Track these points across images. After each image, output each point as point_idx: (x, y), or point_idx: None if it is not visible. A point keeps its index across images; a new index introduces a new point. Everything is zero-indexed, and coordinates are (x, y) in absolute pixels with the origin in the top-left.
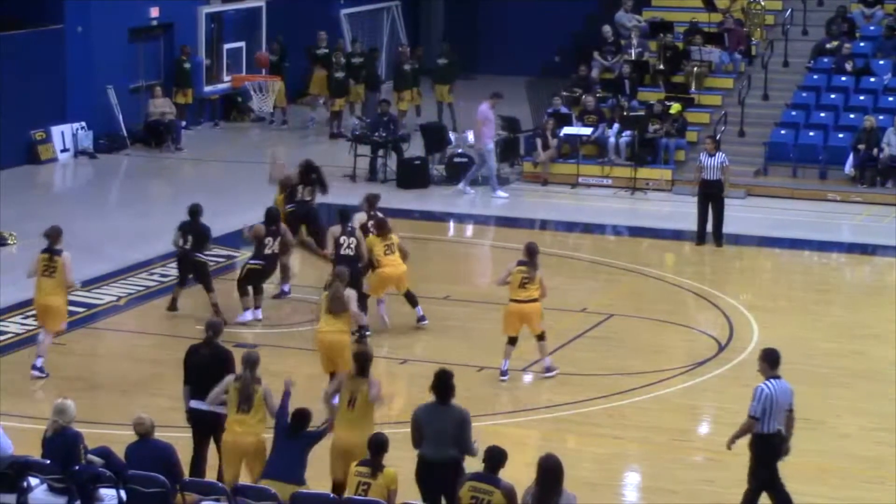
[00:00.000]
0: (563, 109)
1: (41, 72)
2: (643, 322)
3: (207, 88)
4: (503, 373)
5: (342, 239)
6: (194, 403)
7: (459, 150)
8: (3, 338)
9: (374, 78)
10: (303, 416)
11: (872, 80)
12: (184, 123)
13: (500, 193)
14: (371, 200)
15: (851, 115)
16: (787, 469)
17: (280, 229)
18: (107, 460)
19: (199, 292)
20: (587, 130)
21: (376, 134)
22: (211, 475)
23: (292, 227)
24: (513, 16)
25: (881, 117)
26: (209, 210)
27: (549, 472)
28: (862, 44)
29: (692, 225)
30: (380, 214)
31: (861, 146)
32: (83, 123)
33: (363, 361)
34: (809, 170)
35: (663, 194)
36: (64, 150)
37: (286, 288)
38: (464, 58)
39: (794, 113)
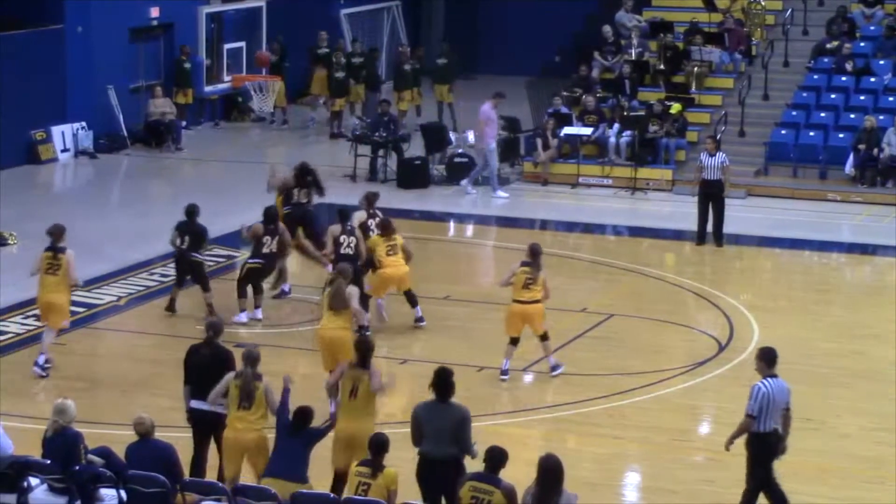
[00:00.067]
0: (564, 109)
1: (41, 72)
2: (643, 322)
3: (208, 88)
4: (503, 372)
5: (342, 238)
6: (195, 403)
7: (460, 150)
8: (3, 338)
9: (375, 78)
10: (305, 413)
11: (873, 80)
12: (184, 123)
13: (501, 193)
14: (370, 199)
15: (852, 115)
16: (787, 469)
17: (278, 228)
18: (107, 460)
19: (198, 292)
20: (587, 130)
21: (376, 134)
22: (211, 475)
23: (289, 229)
24: (513, 16)
25: (881, 117)
26: (209, 210)
27: (550, 472)
28: (862, 44)
29: (692, 225)
30: (379, 213)
31: (861, 146)
32: (83, 123)
33: (364, 351)
34: (810, 170)
35: (664, 194)
36: (64, 150)
37: (286, 287)
38: (464, 58)
39: (794, 113)
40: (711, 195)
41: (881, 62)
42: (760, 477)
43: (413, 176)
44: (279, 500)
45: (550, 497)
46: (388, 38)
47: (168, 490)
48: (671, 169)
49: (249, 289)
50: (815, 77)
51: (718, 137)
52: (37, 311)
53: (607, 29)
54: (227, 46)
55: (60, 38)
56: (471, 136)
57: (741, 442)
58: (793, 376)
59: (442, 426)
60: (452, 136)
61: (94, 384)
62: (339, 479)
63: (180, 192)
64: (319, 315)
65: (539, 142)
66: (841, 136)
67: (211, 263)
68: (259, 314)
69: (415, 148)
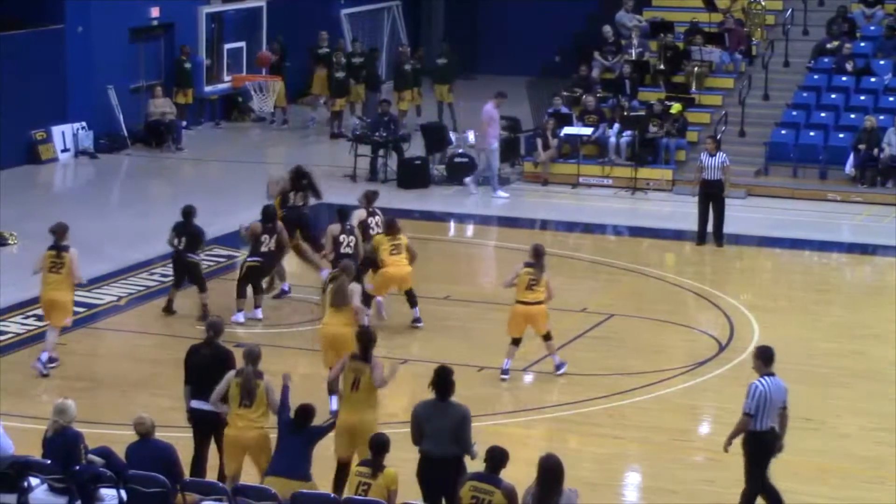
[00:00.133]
0: (564, 109)
1: (42, 72)
2: (644, 322)
3: (208, 88)
4: (504, 371)
5: (341, 238)
6: (195, 403)
7: (460, 151)
8: (3, 338)
9: (375, 78)
10: (306, 411)
11: (873, 80)
12: (184, 123)
13: (501, 193)
14: (370, 197)
15: (852, 115)
16: (787, 469)
17: (277, 227)
18: (107, 460)
19: (197, 292)
20: (588, 130)
21: (377, 134)
22: (211, 475)
23: (286, 232)
24: (513, 16)
25: (881, 117)
26: (209, 210)
27: (550, 472)
28: (862, 44)
29: (693, 225)
30: (378, 211)
31: (861, 146)
32: (84, 123)
33: (366, 342)
34: (810, 170)
35: (664, 194)
36: (64, 150)
37: (286, 287)
38: (464, 58)
39: (794, 113)
40: (712, 195)
41: (881, 62)
42: (759, 476)
43: (413, 176)
44: (279, 499)
45: (550, 497)
46: (389, 38)
47: (168, 490)
48: (671, 169)
49: (249, 289)
50: (816, 77)
51: (719, 137)
52: (37, 311)
53: (607, 29)
54: (227, 46)
55: (61, 38)
56: (471, 136)
57: (740, 441)
58: (793, 376)
59: (442, 425)
60: (453, 136)
61: (94, 384)
62: (343, 469)
63: (180, 192)
64: (321, 313)
65: (539, 142)
66: (841, 136)
67: (211, 263)
68: (259, 314)
69: (415, 148)
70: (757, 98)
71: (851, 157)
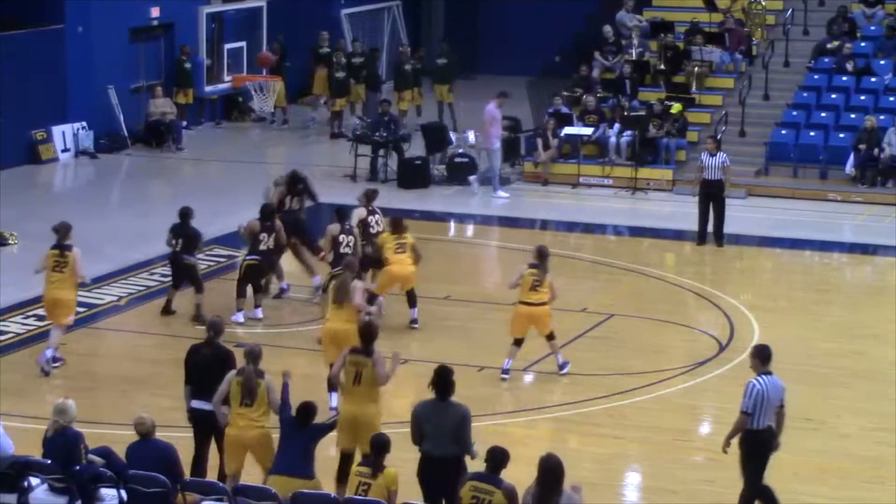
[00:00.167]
0: (564, 109)
1: (42, 72)
2: (644, 322)
3: (208, 88)
4: (505, 371)
5: (341, 237)
6: (195, 403)
7: (460, 150)
8: (3, 338)
9: (375, 78)
10: (308, 408)
11: (873, 79)
12: (184, 123)
13: (501, 193)
14: (369, 195)
15: (852, 115)
16: (787, 469)
17: (275, 226)
18: (107, 460)
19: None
20: (588, 130)
21: (377, 134)
22: (212, 475)
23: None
24: (513, 16)
25: (882, 117)
26: (210, 210)
27: (550, 472)
28: (863, 44)
29: (693, 225)
30: (378, 210)
31: (862, 146)
32: (84, 123)
33: (368, 336)
34: (810, 170)
35: (664, 194)
36: (65, 150)
37: (284, 285)
38: (464, 58)
39: (794, 113)
40: (712, 195)
41: (882, 62)
42: (757, 476)
43: (413, 176)
44: (279, 499)
45: (551, 497)
46: (389, 38)
47: (168, 490)
48: (672, 169)
49: (249, 289)
50: (816, 77)
51: (719, 137)
52: (37, 311)
53: (608, 29)
54: (227, 46)
55: (61, 38)
56: (471, 135)
57: (737, 441)
58: (793, 376)
59: (442, 425)
60: (453, 136)
61: (94, 384)
62: (346, 460)
63: (181, 192)
64: (321, 313)
65: (539, 142)
66: (841, 136)
67: (211, 263)
68: (259, 313)
69: (415, 148)
70: (757, 98)
71: (852, 157)
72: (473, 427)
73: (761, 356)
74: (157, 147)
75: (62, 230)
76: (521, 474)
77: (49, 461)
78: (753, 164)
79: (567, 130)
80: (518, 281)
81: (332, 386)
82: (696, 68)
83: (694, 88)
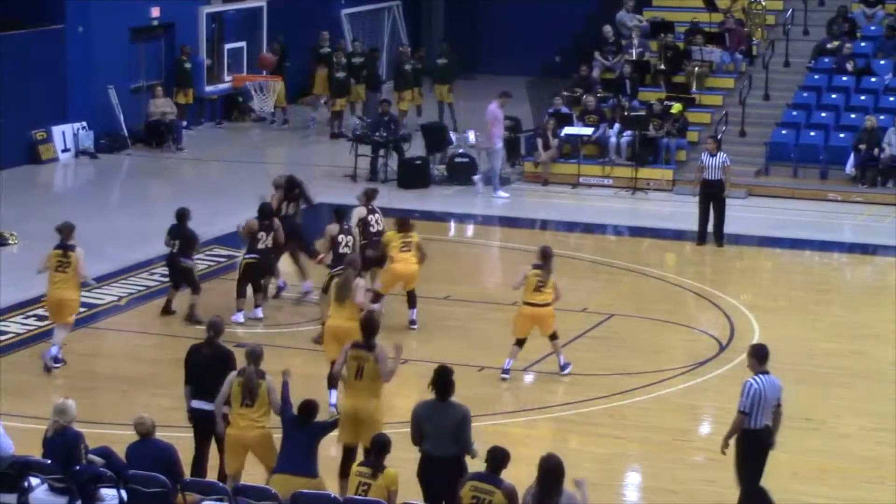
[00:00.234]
0: (564, 109)
1: (42, 72)
2: (644, 322)
3: (208, 88)
4: (505, 371)
5: (340, 237)
6: (196, 403)
7: (460, 150)
8: (3, 338)
9: (375, 78)
10: (310, 406)
11: (873, 79)
12: (185, 123)
13: (501, 193)
14: (369, 195)
15: (852, 115)
16: (787, 469)
17: (273, 224)
18: (107, 460)
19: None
20: (588, 130)
21: (377, 134)
22: (212, 475)
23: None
24: (513, 16)
25: (882, 117)
26: (210, 210)
27: (550, 472)
28: (863, 44)
29: (693, 225)
30: (378, 209)
31: (862, 146)
32: (84, 123)
33: (370, 330)
34: (810, 170)
35: (664, 194)
36: (65, 150)
37: (281, 283)
38: (464, 58)
39: (794, 113)
40: (712, 195)
41: (882, 62)
42: (755, 475)
43: (413, 176)
44: (280, 499)
45: (551, 497)
46: (389, 38)
47: (168, 490)
48: (672, 169)
49: (249, 289)
50: (816, 77)
51: (719, 137)
52: (37, 311)
53: (608, 29)
54: (227, 46)
55: (61, 38)
56: (471, 135)
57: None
58: (793, 376)
59: (442, 425)
60: (453, 136)
61: (94, 384)
62: (349, 454)
63: (181, 193)
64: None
65: (540, 142)
66: (841, 136)
67: (211, 263)
68: (259, 313)
69: (415, 148)
70: (757, 98)
71: (852, 157)
72: (473, 427)
73: (758, 355)
74: (157, 147)
75: (65, 230)
76: (521, 474)
77: (49, 461)
78: (753, 164)
79: (567, 130)
80: (522, 282)
81: (332, 383)
82: (696, 68)
83: (694, 88)
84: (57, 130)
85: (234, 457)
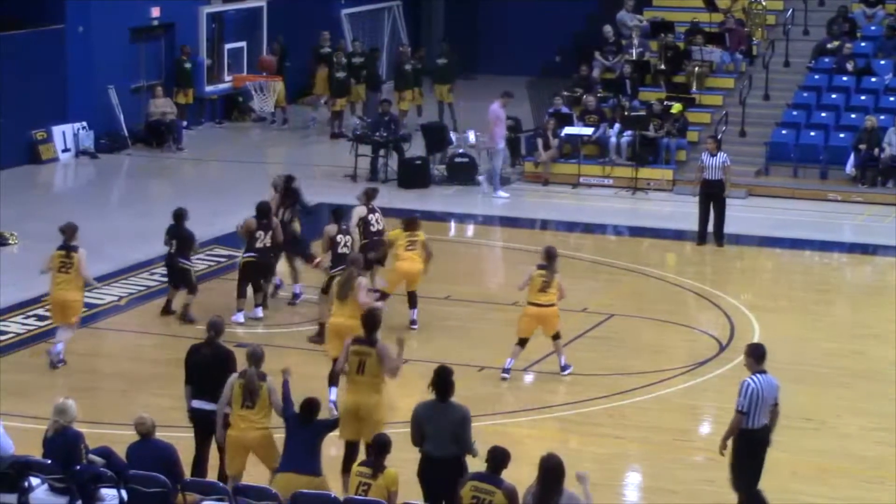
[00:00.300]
0: (564, 109)
1: (42, 72)
2: (644, 322)
3: (208, 88)
4: (506, 370)
5: (339, 238)
6: (196, 403)
7: (460, 150)
8: (3, 338)
9: (375, 78)
10: (312, 404)
11: (873, 79)
12: (185, 123)
13: (501, 193)
14: (369, 194)
15: (852, 115)
16: (787, 469)
17: (271, 223)
18: (108, 460)
19: (198, 292)
20: (588, 130)
21: (377, 134)
22: (212, 475)
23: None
24: (513, 16)
25: (882, 117)
26: (210, 210)
27: (551, 472)
28: (863, 44)
29: (693, 225)
30: (378, 208)
31: (862, 146)
32: (84, 123)
33: (371, 325)
34: (810, 170)
35: (664, 194)
36: (65, 150)
37: (277, 281)
38: (464, 58)
39: (795, 113)
40: (712, 195)
41: (882, 62)
42: (754, 475)
43: (414, 176)
44: (280, 499)
45: (551, 496)
46: (389, 38)
47: (169, 490)
48: (672, 169)
49: (249, 289)
50: (816, 77)
51: (719, 137)
52: (37, 311)
53: (608, 29)
54: (227, 46)
55: (61, 37)
56: (471, 135)
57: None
58: (793, 376)
59: (442, 426)
60: (453, 135)
61: (94, 384)
62: (351, 450)
63: (181, 193)
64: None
65: (540, 142)
66: (842, 136)
67: (211, 263)
68: (259, 313)
69: (415, 148)
70: (757, 98)
71: (852, 157)
72: (474, 427)
73: (755, 355)
74: (157, 147)
75: (69, 231)
76: (521, 474)
77: (49, 461)
78: (754, 164)
79: (567, 130)
80: (527, 282)
81: (333, 380)
82: (696, 68)
83: (694, 88)
84: (57, 130)
85: (235, 458)
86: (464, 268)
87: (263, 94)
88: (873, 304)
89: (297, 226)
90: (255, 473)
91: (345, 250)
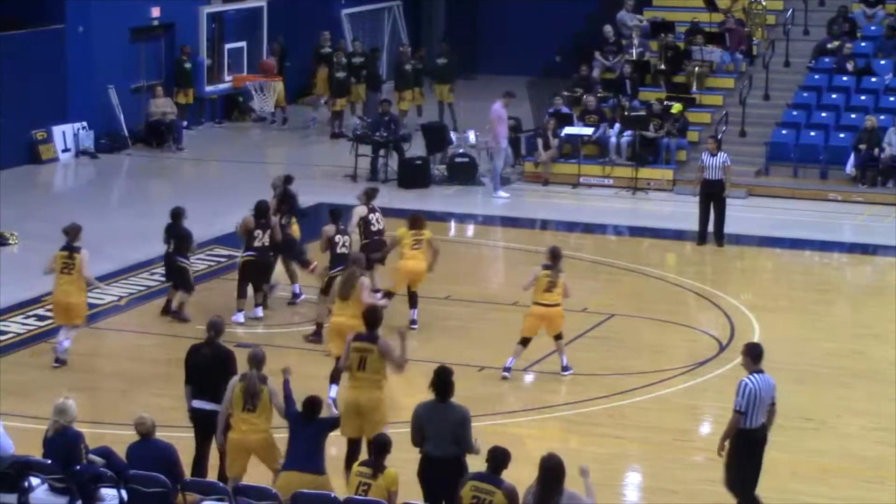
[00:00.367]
0: (565, 109)
1: (42, 72)
2: (644, 322)
3: (208, 88)
4: (507, 369)
5: (337, 238)
6: (196, 403)
7: (461, 150)
8: (3, 338)
9: (375, 78)
10: (314, 402)
11: (873, 79)
12: (185, 123)
13: (501, 193)
14: (369, 194)
15: (852, 115)
16: (787, 469)
17: (270, 222)
18: (108, 460)
19: (197, 292)
20: (588, 130)
21: (377, 134)
22: (212, 475)
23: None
24: (513, 16)
25: (882, 117)
26: (210, 210)
27: (551, 472)
28: (863, 44)
29: (693, 225)
30: (378, 208)
31: (862, 146)
32: (84, 123)
33: (372, 321)
34: (810, 170)
35: (664, 194)
36: (65, 150)
37: (272, 283)
38: (464, 58)
39: (795, 113)
40: (713, 195)
41: (882, 62)
42: (753, 475)
43: (414, 176)
44: (280, 499)
45: (551, 496)
46: (389, 38)
47: (169, 490)
48: (672, 169)
49: (250, 289)
50: (816, 77)
51: (720, 137)
52: (38, 311)
53: (608, 29)
54: (227, 46)
55: (61, 37)
56: (472, 135)
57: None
58: (793, 376)
59: (442, 426)
60: (453, 135)
61: (94, 384)
62: (353, 447)
63: (181, 193)
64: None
65: (540, 142)
66: (842, 135)
67: (212, 263)
68: (259, 312)
69: (416, 148)
70: (757, 98)
71: (852, 157)
72: (474, 427)
73: (752, 354)
74: (157, 147)
75: (72, 232)
76: (521, 474)
77: (49, 461)
78: (754, 164)
79: (567, 130)
80: (532, 283)
81: (335, 378)
82: (696, 68)
83: (694, 88)
84: (57, 130)
85: (236, 461)
86: (464, 268)
87: (263, 94)
88: (873, 304)
89: (295, 230)
90: (256, 473)
91: (343, 250)
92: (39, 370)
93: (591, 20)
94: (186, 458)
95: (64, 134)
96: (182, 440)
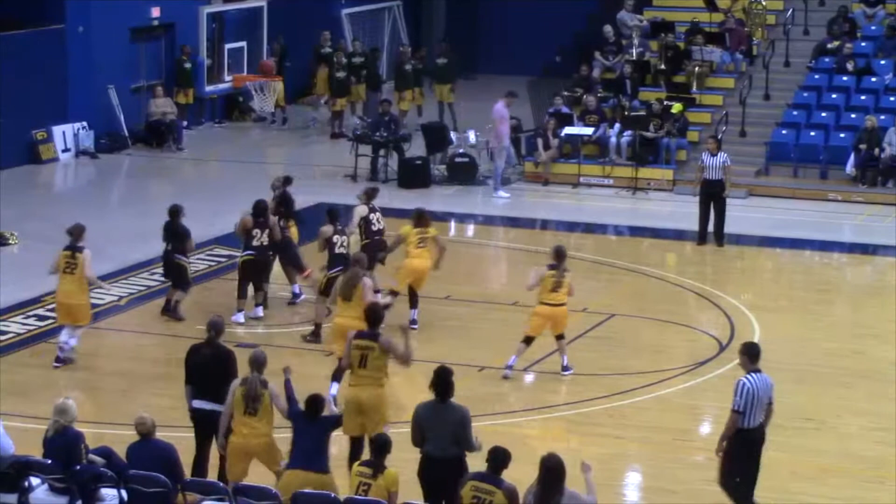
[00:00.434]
0: (565, 109)
1: (42, 72)
2: (644, 322)
3: (208, 88)
4: (508, 367)
5: (335, 238)
6: (196, 403)
7: (461, 150)
8: (3, 338)
9: (376, 78)
10: (317, 400)
11: (874, 79)
12: (185, 123)
13: (502, 193)
14: (370, 193)
15: (852, 115)
16: (787, 469)
17: (268, 221)
18: (108, 460)
19: (197, 292)
20: (588, 130)
21: (377, 134)
22: (212, 475)
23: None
24: (513, 16)
25: (882, 117)
26: (210, 210)
27: (551, 472)
28: (863, 43)
29: (693, 225)
30: (378, 207)
31: (862, 146)
32: (84, 123)
33: (373, 319)
34: (810, 170)
35: (664, 194)
36: (65, 150)
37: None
38: (464, 58)
39: (795, 113)
40: (713, 195)
41: (882, 62)
42: (752, 476)
43: (414, 176)
44: (280, 499)
45: (552, 496)
46: (389, 37)
47: (169, 490)
48: (672, 169)
49: (250, 289)
50: (816, 77)
51: (720, 137)
52: (38, 311)
53: (608, 29)
54: (227, 46)
55: (61, 37)
56: (472, 135)
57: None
58: (793, 376)
59: (442, 426)
60: (453, 135)
61: (94, 384)
62: (356, 445)
63: (181, 193)
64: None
65: (540, 142)
66: (842, 135)
67: (212, 263)
68: (259, 312)
69: (416, 148)
70: (758, 98)
71: (852, 157)
72: (474, 427)
73: (750, 354)
74: (157, 147)
75: (76, 232)
76: (522, 474)
77: (49, 461)
78: (754, 164)
79: (567, 130)
80: (537, 282)
81: (337, 376)
82: (696, 68)
83: (694, 88)
84: (57, 130)
85: (237, 464)
86: (464, 268)
87: (263, 94)
88: (873, 304)
89: (294, 233)
90: (256, 473)
91: (342, 251)
92: (39, 370)
93: (591, 20)
94: (186, 458)
95: (64, 134)
96: (182, 440)
